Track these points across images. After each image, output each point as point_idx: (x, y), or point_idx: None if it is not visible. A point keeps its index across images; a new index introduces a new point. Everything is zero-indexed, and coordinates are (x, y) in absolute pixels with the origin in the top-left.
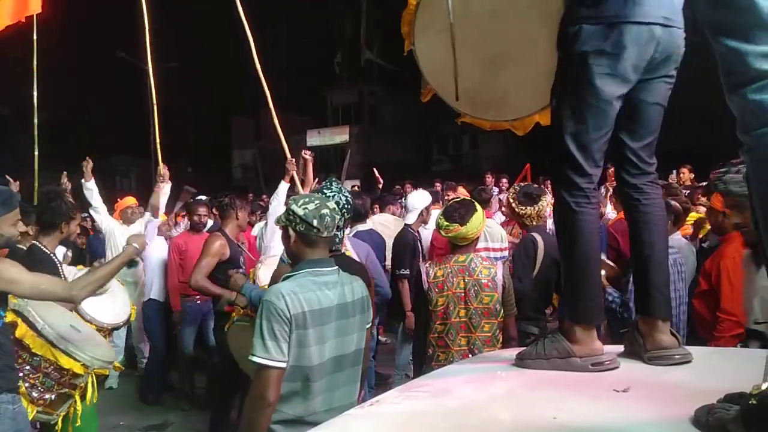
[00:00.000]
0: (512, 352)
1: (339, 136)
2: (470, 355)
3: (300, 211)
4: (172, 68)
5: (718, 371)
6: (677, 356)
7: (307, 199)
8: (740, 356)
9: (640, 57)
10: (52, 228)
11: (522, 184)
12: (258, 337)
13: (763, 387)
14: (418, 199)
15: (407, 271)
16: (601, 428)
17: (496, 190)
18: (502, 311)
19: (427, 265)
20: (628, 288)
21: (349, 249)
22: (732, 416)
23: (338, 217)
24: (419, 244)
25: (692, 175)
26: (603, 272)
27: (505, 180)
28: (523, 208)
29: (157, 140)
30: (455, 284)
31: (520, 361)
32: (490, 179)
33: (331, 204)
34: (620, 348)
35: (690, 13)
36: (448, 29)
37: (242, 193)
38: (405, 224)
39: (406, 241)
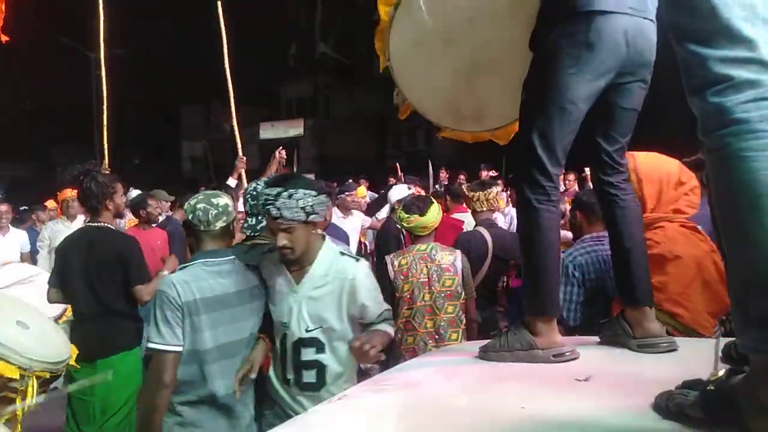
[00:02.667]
0: (476, 345)
1: (293, 129)
2: (436, 336)
3: (185, 207)
4: (118, 55)
5: (675, 359)
6: (664, 344)
7: (196, 196)
8: (693, 345)
9: (610, 60)
10: (96, 210)
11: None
12: (153, 325)
13: (720, 374)
14: (395, 193)
15: None
16: (566, 416)
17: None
18: (463, 293)
19: (392, 256)
20: None
21: None
22: (691, 401)
23: (214, 211)
24: (402, 235)
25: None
26: None
27: (462, 177)
28: (474, 193)
29: (104, 130)
30: (419, 271)
31: (484, 354)
32: (444, 175)
33: (216, 200)
34: (580, 339)
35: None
36: (423, 44)
37: (192, 186)
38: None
39: (390, 230)
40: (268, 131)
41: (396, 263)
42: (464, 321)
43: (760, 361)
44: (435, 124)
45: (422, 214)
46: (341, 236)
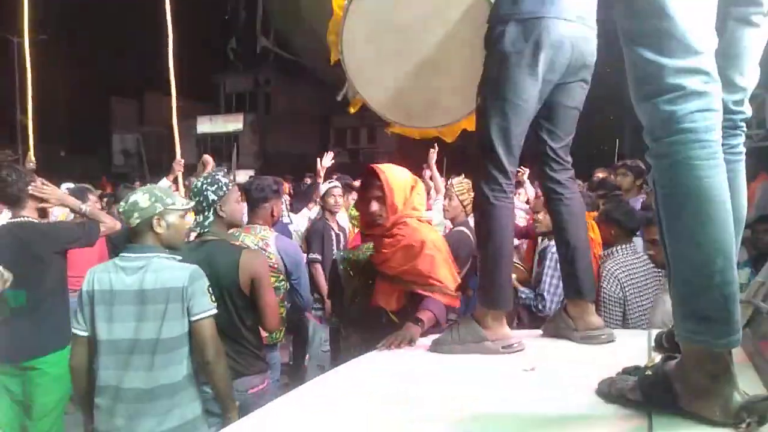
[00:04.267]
0: (428, 340)
1: (232, 124)
2: None
3: None
4: (43, 41)
5: (613, 349)
6: (604, 336)
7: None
8: (629, 337)
9: (558, 60)
10: (18, 201)
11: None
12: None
13: (656, 360)
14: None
15: (318, 256)
16: (515, 404)
17: None
18: None
19: (342, 253)
20: (540, 280)
21: (271, 245)
22: (630, 386)
23: (126, 207)
24: (332, 232)
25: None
26: (513, 275)
27: None
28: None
29: (29, 121)
30: None
31: (436, 347)
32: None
33: (131, 196)
34: (525, 333)
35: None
36: (376, 40)
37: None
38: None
39: (317, 228)
40: (205, 125)
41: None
42: None
43: (693, 350)
44: (385, 119)
45: None
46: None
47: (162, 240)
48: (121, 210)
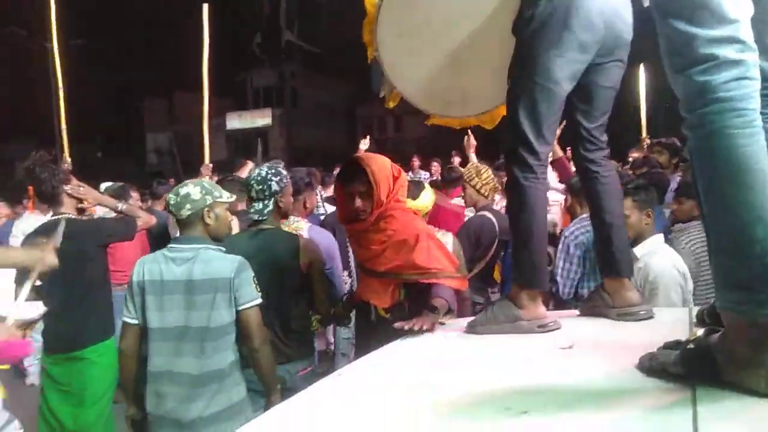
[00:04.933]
0: (464, 321)
1: (260, 119)
2: None
3: None
4: (77, 45)
5: (652, 325)
6: (642, 312)
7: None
8: (668, 313)
9: (589, 41)
10: (55, 198)
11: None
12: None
13: (698, 333)
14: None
15: None
16: (553, 380)
17: (425, 174)
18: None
19: None
20: (555, 264)
21: (304, 236)
22: (672, 360)
23: (177, 200)
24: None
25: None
26: None
27: (436, 164)
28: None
29: (63, 123)
30: None
31: (472, 328)
32: (418, 163)
33: (180, 189)
34: (562, 312)
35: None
36: (410, 34)
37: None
38: None
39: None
40: (234, 122)
41: None
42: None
43: (735, 321)
44: (424, 110)
45: (414, 198)
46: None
47: (210, 231)
48: (171, 202)
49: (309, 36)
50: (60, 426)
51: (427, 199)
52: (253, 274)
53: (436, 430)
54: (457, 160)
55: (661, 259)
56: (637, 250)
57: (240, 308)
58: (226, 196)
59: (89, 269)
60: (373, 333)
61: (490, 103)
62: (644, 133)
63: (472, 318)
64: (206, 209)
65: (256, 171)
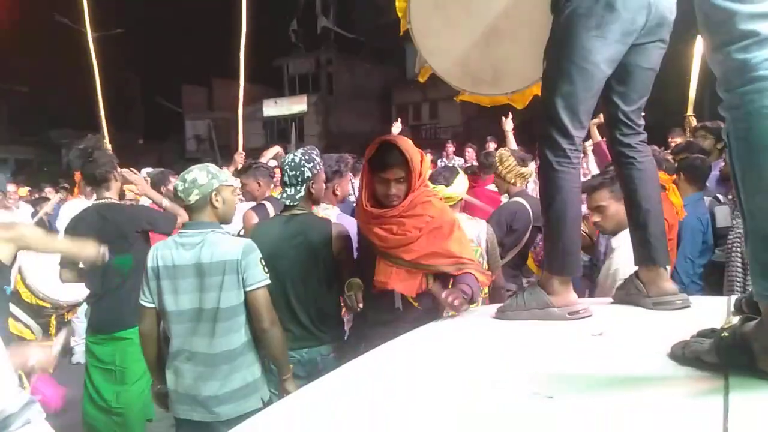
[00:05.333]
0: (493, 308)
1: (296, 105)
2: None
3: None
4: (117, 35)
5: (688, 315)
6: (679, 302)
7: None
8: (705, 302)
9: (632, 21)
10: (105, 181)
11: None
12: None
13: (733, 321)
14: None
15: None
16: (584, 367)
17: (460, 160)
18: (485, 264)
19: None
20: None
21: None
22: (706, 348)
23: (184, 185)
24: None
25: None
26: None
27: (470, 149)
28: (522, 168)
29: (102, 110)
30: None
31: (502, 314)
32: (451, 148)
33: (187, 175)
34: (593, 300)
35: None
36: (444, 6)
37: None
38: None
39: None
40: (271, 108)
41: None
42: (485, 291)
43: None
44: (454, 86)
45: (448, 184)
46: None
47: (218, 215)
48: (180, 188)
49: (345, 22)
50: (104, 402)
51: (461, 185)
52: (261, 256)
53: (462, 413)
54: (492, 145)
55: (624, 251)
56: (614, 242)
57: (248, 289)
58: (232, 180)
59: (130, 252)
60: (399, 321)
61: (523, 82)
62: (690, 111)
63: (502, 304)
64: (213, 193)
65: (290, 156)
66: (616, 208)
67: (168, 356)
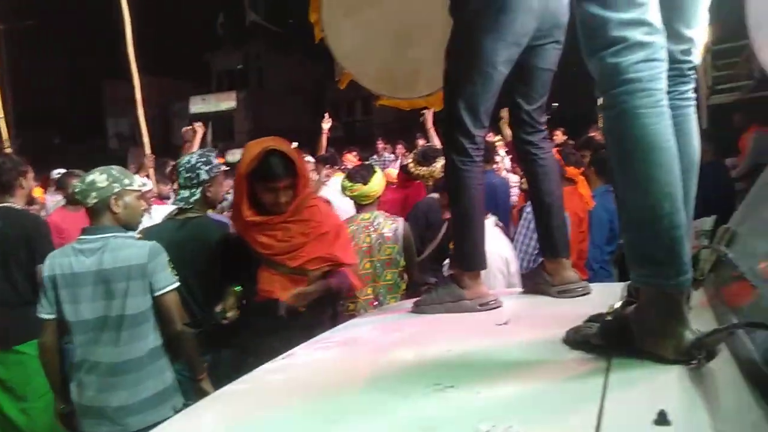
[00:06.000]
0: (409, 302)
1: (225, 102)
2: (376, 302)
3: None
4: (29, 27)
5: (586, 300)
6: (580, 289)
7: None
8: (605, 288)
9: (526, 24)
10: (10, 187)
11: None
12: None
13: (616, 306)
14: None
15: None
16: (487, 354)
17: (391, 156)
18: (402, 261)
19: None
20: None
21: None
22: (594, 332)
23: (81, 187)
24: None
25: (565, 137)
26: None
27: (401, 146)
28: (419, 168)
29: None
30: (361, 240)
31: (417, 308)
32: (382, 146)
33: (86, 176)
34: (505, 291)
35: None
36: (355, 14)
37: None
38: None
39: None
40: (199, 105)
41: None
42: (403, 287)
43: (646, 292)
44: (372, 92)
45: (365, 182)
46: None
47: (119, 220)
48: (77, 190)
49: (275, 16)
50: (9, 421)
51: (377, 183)
52: (168, 258)
53: (358, 404)
54: (421, 142)
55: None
56: None
57: (158, 293)
58: (138, 183)
59: (26, 264)
60: (285, 329)
61: (438, 83)
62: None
63: (418, 299)
64: (113, 197)
65: (185, 158)
66: None
67: (71, 369)
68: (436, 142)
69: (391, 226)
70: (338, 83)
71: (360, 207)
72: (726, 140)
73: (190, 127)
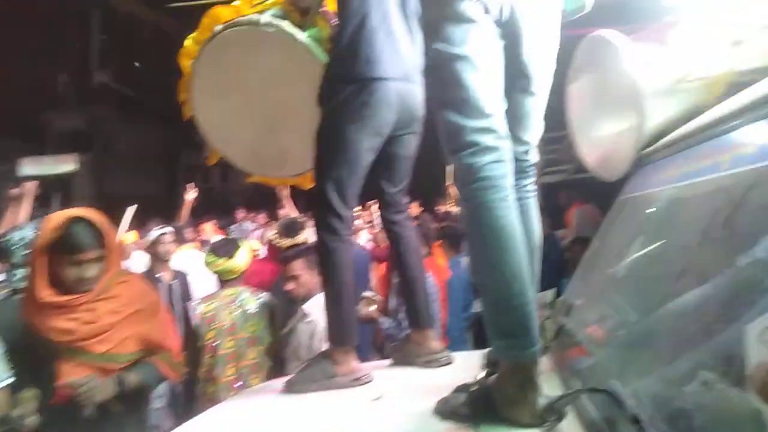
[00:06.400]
0: (277, 382)
1: (63, 164)
2: (239, 383)
3: None
4: None
5: (451, 370)
6: (443, 359)
7: None
8: (466, 357)
9: (387, 116)
10: None
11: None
12: None
13: (480, 377)
14: None
15: None
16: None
17: (252, 226)
18: (267, 338)
19: (195, 302)
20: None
21: None
22: (461, 402)
23: None
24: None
25: (421, 208)
26: (375, 307)
27: (263, 216)
28: (283, 240)
29: None
30: (224, 317)
31: (289, 388)
32: (242, 214)
33: None
34: (376, 363)
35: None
36: (224, 96)
37: None
38: None
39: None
40: (31, 167)
41: (200, 310)
42: (266, 366)
43: (504, 364)
44: (242, 170)
45: (230, 256)
46: None
47: None
48: None
49: (126, 78)
50: None
51: (243, 258)
52: (4, 349)
53: None
54: (283, 211)
55: (318, 315)
56: (306, 307)
57: None
58: None
59: None
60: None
61: (305, 166)
62: (450, 181)
63: (288, 378)
64: None
65: (17, 233)
66: (309, 276)
67: None
68: (295, 212)
69: (256, 302)
70: (206, 159)
71: (224, 282)
72: (555, 215)
73: (17, 188)
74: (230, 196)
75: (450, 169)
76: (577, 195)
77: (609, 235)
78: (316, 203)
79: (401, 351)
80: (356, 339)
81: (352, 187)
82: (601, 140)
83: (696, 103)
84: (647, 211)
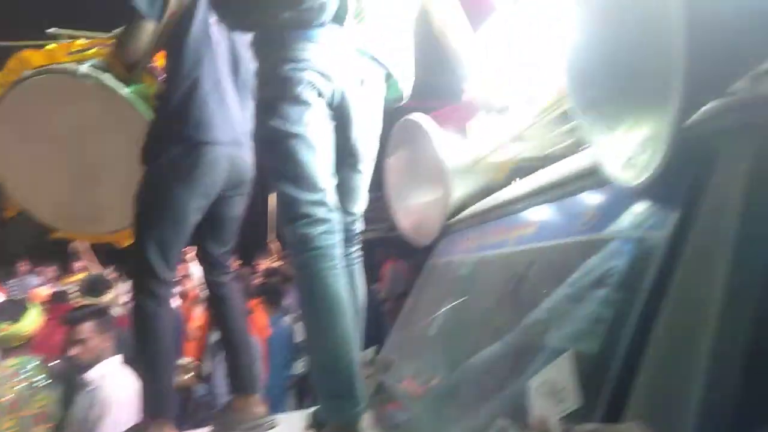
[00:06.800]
0: None
1: None
2: None
3: None
4: None
5: None
6: (266, 424)
7: None
8: (287, 420)
9: (216, 178)
10: None
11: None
12: None
13: None
14: None
15: None
16: None
17: (35, 280)
18: (60, 413)
19: None
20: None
21: None
22: None
23: None
24: None
25: (240, 261)
26: (191, 374)
27: (54, 269)
28: (87, 300)
29: None
30: (5, 392)
31: None
32: (25, 267)
33: None
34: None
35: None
36: (30, 148)
37: None
38: None
39: None
40: None
41: None
42: None
43: (332, 424)
44: (46, 225)
45: (15, 320)
46: None
47: None
48: None
49: None
50: None
51: (31, 321)
52: None
53: None
54: (79, 264)
55: (119, 379)
56: (93, 373)
57: None
58: None
59: None
60: None
61: (121, 223)
62: (271, 238)
63: None
64: None
65: None
66: (99, 340)
67: None
68: (96, 267)
69: (45, 373)
70: (4, 212)
71: (6, 351)
72: (373, 270)
73: None
74: (10, 245)
75: (272, 224)
76: (391, 251)
77: (422, 295)
78: (134, 264)
79: (223, 418)
80: (172, 410)
81: (176, 249)
82: (414, 208)
83: (488, 181)
84: (454, 275)
